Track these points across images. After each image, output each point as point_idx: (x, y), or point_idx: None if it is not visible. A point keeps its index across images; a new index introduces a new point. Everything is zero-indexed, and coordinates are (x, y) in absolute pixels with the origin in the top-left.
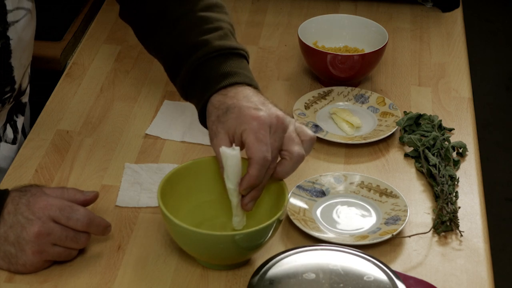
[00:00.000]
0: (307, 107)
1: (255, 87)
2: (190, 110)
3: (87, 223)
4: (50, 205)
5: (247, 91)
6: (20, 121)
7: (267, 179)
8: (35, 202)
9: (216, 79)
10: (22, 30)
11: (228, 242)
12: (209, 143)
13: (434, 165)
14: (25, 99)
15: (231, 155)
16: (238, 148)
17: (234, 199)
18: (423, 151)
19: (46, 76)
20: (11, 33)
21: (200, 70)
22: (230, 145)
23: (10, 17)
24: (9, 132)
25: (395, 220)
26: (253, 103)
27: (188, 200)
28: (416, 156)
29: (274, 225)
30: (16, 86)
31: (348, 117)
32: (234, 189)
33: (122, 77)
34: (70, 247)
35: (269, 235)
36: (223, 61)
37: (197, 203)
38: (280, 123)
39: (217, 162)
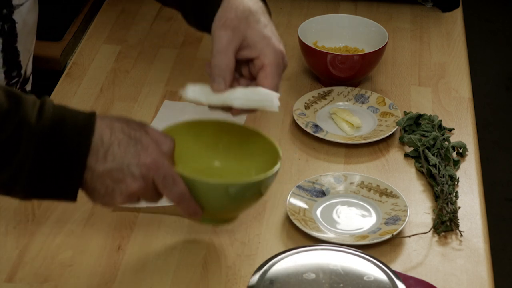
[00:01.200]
0: (307, 107)
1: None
2: (190, 110)
3: (178, 201)
4: (157, 167)
5: (259, 3)
6: None
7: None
8: (145, 157)
9: None
10: (26, 14)
11: (222, 190)
12: None
13: (434, 165)
14: (28, 87)
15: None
16: None
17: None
18: (423, 151)
19: (46, 76)
20: (16, 16)
21: None
22: (237, 46)
23: (15, 0)
24: None
25: (395, 220)
26: (274, 32)
27: (185, 162)
28: (416, 156)
29: (270, 176)
30: (22, 71)
31: (348, 117)
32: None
33: (122, 77)
34: (148, 201)
35: (265, 186)
36: None
37: (193, 167)
38: (285, 65)
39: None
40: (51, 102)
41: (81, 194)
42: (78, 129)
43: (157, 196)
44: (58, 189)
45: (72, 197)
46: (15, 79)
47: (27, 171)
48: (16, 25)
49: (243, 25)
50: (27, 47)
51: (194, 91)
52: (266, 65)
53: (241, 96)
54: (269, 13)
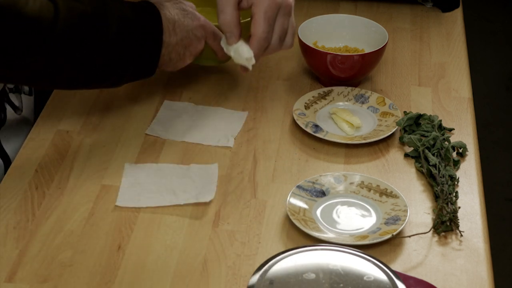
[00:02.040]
0: (307, 107)
1: None
2: (190, 110)
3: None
4: (207, 26)
5: None
6: (13, 96)
7: (266, 54)
8: (198, 20)
9: None
10: None
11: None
12: (208, 143)
13: (434, 165)
14: None
15: (239, 43)
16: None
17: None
18: (423, 151)
19: None
20: None
21: None
22: (237, 4)
23: None
24: (8, 109)
25: (395, 220)
26: None
27: None
28: (416, 156)
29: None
30: None
31: (348, 117)
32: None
33: None
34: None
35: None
36: None
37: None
38: (289, 7)
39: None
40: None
41: (81, 195)
42: (151, 14)
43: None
44: (142, 66)
45: (153, 72)
46: None
47: (119, 53)
48: None
49: None
50: None
51: (223, 42)
52: (254, 13)
53: (234, 52)
54: None
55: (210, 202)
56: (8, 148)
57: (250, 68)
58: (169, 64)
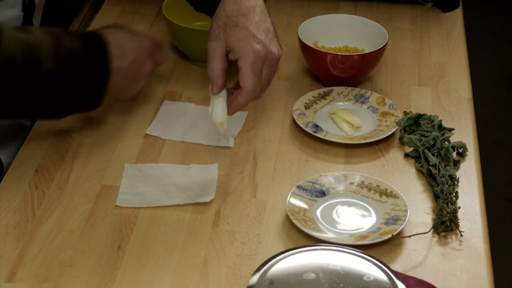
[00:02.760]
0: (307, 107)
1: None
2: (190, 110)
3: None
4: (154, 44)
5: (258, 1)
6: None
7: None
8: (145, 40)
9: None
10: None
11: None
12: (208, 143)
13: (434, 165)
14: None
15: (218, 100)
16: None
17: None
18: (423, 151)
19: None
20: None
21: None
22: (224, 53)
23: None
24: None
25: (395, 220)
26: (259, 31)
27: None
28: (416, 156)
29: None
30: None
31: (348, 117)
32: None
33: None
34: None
35: None
36: None
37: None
38: (274, 60)
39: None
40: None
41: (81, 195)
42: (98, 44)
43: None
44: (89, 99)
45: (99, 101)
46: None
47: (68, 87)
48: None
49: (222, 33)
50: (38, 20)
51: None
52: (241, 66)
53: (211, 110)
54: None
55: (210, 202)
56: (2, 154)
57: (221, 132)
58: (124, 90)
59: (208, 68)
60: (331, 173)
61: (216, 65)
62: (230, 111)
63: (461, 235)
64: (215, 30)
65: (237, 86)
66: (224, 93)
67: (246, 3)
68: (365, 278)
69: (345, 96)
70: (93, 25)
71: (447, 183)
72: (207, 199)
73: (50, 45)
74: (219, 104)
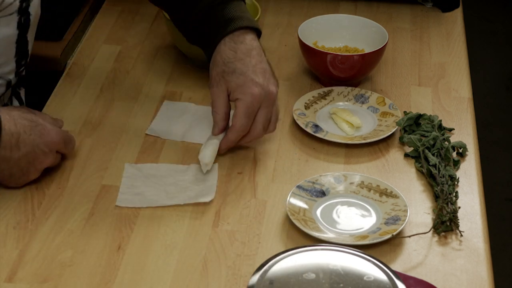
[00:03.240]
0: (307, 107)
1: (257, 30)
2: (190, 110)
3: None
4: (60, 140)
5: (253, 43)
6: (22, 92)
7: (244, 143)
8: (48, 135)
9: (223, 24)
10: (37, 6)
11: None
12: None
13: (434, 165)
14: (23, 72)
15: (212, 142)
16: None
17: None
18: (423, 151)
19: (46, 76)
20: (31, 9)
21: (207, 16)
22: (227, 98)
23: None
24: (15, 103)
25: (395, 220)
26: (256, 74)
27: None
28: (416, 156)
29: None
30: (28, 59)
31: (348, 117)
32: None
33: (122, 77)
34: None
35: None
36: (226, 7)
37: None
38: (271, 101)
39: None
40: None
41: (81, 195)
42: None
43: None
44: None
45: None
46: (23, 67)
47: None
48: (30, 17)
49: (222, 80)
50: (32, 36)
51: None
52: (236, 106)
53: (202, 148)
54: (258, 35)
55: (210, 202)
56: None
57: (204, 171)
58: (10, 179)
59: (212, 112)
60: (331, 173)
61: (220, 109)
62: (221, 148)
63: (461, 235)
64: (215, 77)
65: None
66: (221, 136)
67: (241, 48)
68: (365, 278)
69: (345, 96)
70: (93, 25)
71: (447, 183)
72: (207, 199)
73: None
74: (211, 145)
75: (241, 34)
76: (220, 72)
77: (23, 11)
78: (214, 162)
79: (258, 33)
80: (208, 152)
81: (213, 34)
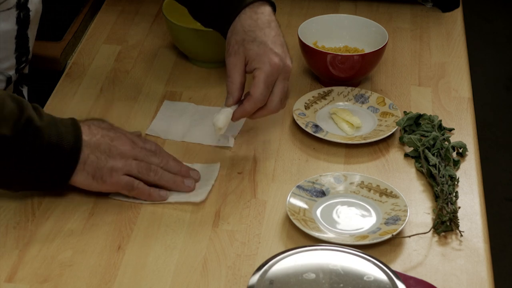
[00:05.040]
0: (307, 107)
1: (273, 5)
2: (190, 110)
3: (155, 145)
4: (127, 131)
5: (271, 16)
6: (25, 91)
7: (258, 116)
8: (115, 126)
9: None
10: (38, 3)
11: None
12: (208, 143)
13: (434, 165)
14: (25, 70)
15: (226, 109)
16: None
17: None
18: (423, 151)
19: (46, 76)
20: (31, 5)
21: None
22: (244, 67)
23: None
24: None
25: (395, 220)
26: (276, 45)
27: None
28: (416, 156)
29: None
30: (29, 56)
31: (348, 117)
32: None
33: (122, 77)
34: (150, 162)
35: None
36: None
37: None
38: (287, 74)
39: None
40: (41, 108)
41: (81, 195)
42: (70, 126)
43: (146, 154)
44: (56, 174)
45: (66, 180)
46: (23, 64)
47: (29, 163)
48: (30, 13)
49: (241, 48)
50: (33, 33)
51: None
52: (256, 76)
53: (216, 115)
54: (274, 10)
55: (210, 202)
56: None
57: (216, 135)
58: (98, 164)
59: (227, 81)
60: (331, 173)
61: (236, 79)
62: (235, 116)
63: (461, 235)
64: (233, 45)
65: (247, 95)
66: (235, 107)
67: (262, 18)
68: (365, 278)
69: (345, 96)
70: (93, 25)
71: (447, 183)
72: (197, 200)
73: (13, 110)
74: (225, 112)
75: (261, 5)
76: (240, 40)
77: (21, 6)
78: (217, 162)
79: (274, 8)
80: (223, 118)
81: (234, 5)
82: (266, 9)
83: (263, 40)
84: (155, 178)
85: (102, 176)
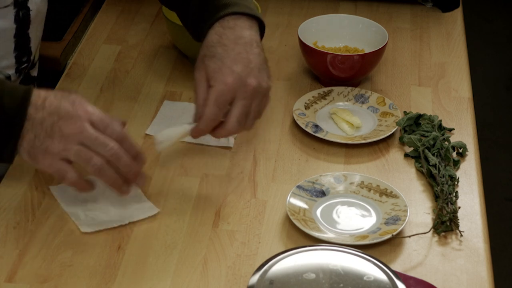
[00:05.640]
0: (307, 107)
1: (258, 19)
2: (190, 110)
3: (121, 137)
4: (93, 111)
5: (244, 32)
6: None
7: (219, 134)
8: (80, 103)
9: (216, 9)
10: (39, 2)
11: None
12: (208, 143)
13: (434, 165)
14: (34, 72)
15: (181, 126)
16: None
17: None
18: (423, 151)
19: (46, 76)
20: (31, 4)
21: (204, 4)
22: (207, 84)
23: None
24: None
25: (395, 220)
26: (236, 63)
27: None
28: (416, 156)
29: None
30: (32, 57)
31: (348, 117)
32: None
33: (122, 77)
34: (97, 151)
35: None
36: None
37: None
38: (248, 93)
39: None
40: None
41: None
42: (17, 92)
43: (98, 140)
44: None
45: (10, 157)
46: (25, 64)
47: None
48: (30, 12)
49: (202, 64)
50: (37, 34)
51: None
52: (208, 94)
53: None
54: (260, 26)
55: (210, 202)
56: None
57: (157, 150)
58: (34, 143)
59: (194, 97)
60: (331, 173)
61: (200, 95)
62: (193, 133)
63: (461, 235)
64: (198, 60)
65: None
66: (193, 124)
67: (228, 33)
68: (365, 278)
69: (345, 96)
70: (93, 25)
71: (447, 183)
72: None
73: None
74: (176, 128)
75: (232, 20)
76: (202, 56)
77: (20, 5)
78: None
79: (260, 23)
80: (167, 132)
81: (206, 20)
82: (239, 24)
83: (222, 57)
84: (94, 171)
85: (36, 155)
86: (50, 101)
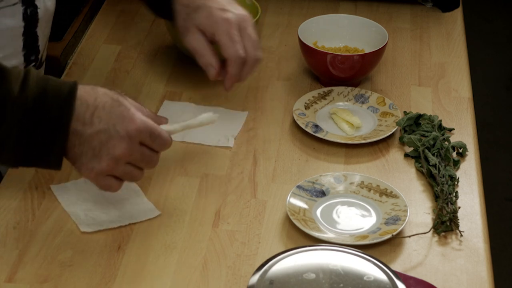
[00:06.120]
0: (307, 107)
1: None
2: (190, 110)
3: (168, 146)
4: (142, 125)
5: None
6: None
7: (247, 74)
8: (130, 118)
9: None
10: (48, 0)
11: None
12: (208, 143)
13: (434, 165)
14: (42, 71)
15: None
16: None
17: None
18: (423, 151)
19: None
20: (38, 2)
21: None
22: (203, 37)
23: None
24: None
25: (395, 220)
26: (220, 4)
27: None
28: (416, 156)
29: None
30: (40, 56)
31: (348, 117)
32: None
33: (122, 77)
34: (142, 167)
35: None
36: None
37: None
38: (247, 22)
39: None
40: (35, 73)
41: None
42: (61, 97)
43: (144, 156)
44: (43, 156)
45: (57, 165)
46: (33, 63)
47: (13, 140)
48: (38, 10)
49: (189, 22)
50: (45, 33)
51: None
52: (218, 40)
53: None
54: None
55: (210, 202)
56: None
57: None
58: (82, 160)
59: (198, 60)
60: (331, 173)
61: (204, 50)
62: (227, 85)
63: (461, 235)
64: (182, 25)
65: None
66: (211, 113)
67: None
68: (365, 278)
69: (345, 96)
70: (93, 25)
71: (447, 183)
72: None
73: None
74: (185, 123)
75: None
76: (185, 17)
77: (28, 2)
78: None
79: None
80: (177, 125)
81: None
82: None
83: (206, 5)
84: (128, 179)
85: (80, 169)
86: (99, 115)
